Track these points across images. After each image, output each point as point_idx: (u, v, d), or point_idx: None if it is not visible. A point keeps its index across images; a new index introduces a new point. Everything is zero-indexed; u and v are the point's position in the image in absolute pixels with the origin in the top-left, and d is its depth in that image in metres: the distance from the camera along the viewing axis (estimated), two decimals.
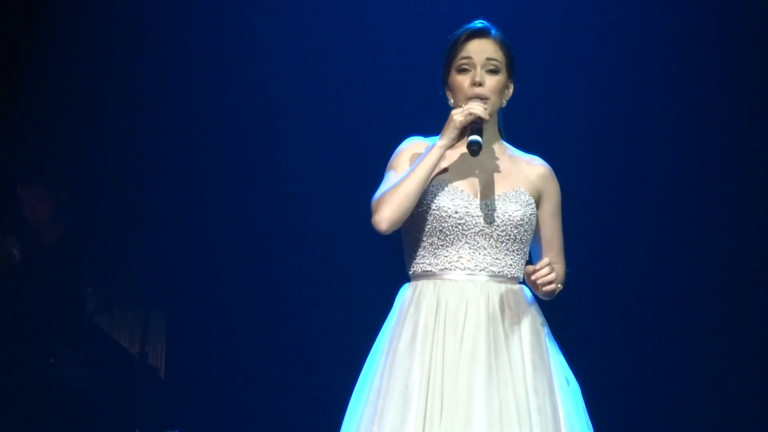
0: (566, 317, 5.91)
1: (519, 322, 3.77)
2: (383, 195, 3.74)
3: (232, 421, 6.50)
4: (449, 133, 3.75)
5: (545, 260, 3.70)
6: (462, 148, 3.82)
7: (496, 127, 3.91)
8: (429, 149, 3.76)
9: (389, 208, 3.71)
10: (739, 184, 6.15)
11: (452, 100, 3.88)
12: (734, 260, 6.14)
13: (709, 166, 6.18)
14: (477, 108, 3.74)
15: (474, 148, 3.70)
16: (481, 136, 3.71)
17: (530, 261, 3.90)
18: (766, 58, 6.15)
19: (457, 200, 3.78)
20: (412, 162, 3.81)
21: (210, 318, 6.57)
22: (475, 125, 3.73)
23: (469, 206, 3.78)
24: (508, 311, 3.77)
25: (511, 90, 3.91)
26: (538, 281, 3.67)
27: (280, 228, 6.51)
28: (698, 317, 6.12)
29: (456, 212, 3.77)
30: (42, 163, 6.68)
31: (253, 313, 6.53)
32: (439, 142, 3.75)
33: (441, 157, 3.76)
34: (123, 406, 6.50)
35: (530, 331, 3.77)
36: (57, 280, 6.58)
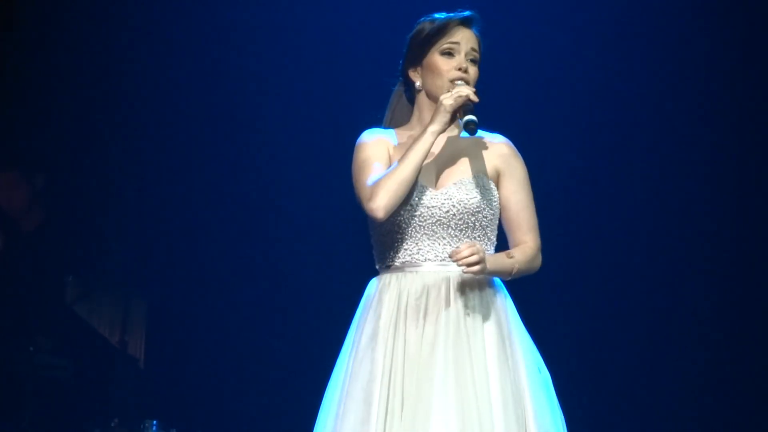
0: (541, 305, 5.93)
1: (482, 312, 3.73)
2: (378, 183, 3.69)
3: (211, 411, 6.50)
4: (441, 117, 3.70)
5: (467, 242, 3.66)
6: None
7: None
8: (421, 135, 3.71)
9: (386, 195, 3.67)
10: (724, 182, 6.20)
11: (420, 81, 3.85)
12: (715, 256, 6.18)
13: (694, 165, 6.23)
14: (465, 90, 3.70)
15: (471, 127, 3.66)
16: (474, 114, 3.68)
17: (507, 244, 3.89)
18: (752, 54, 6.19)
19: (411, 192, 3.73)
20: (382, 149, 3.81)
21: (190, 308, 6.57)
22: (466, 106, 3.70)
23: (422, 196, 3.74)
24: (471, 301, 3.73)
25: None
26: (458, 264, 3.62)
27: (259, 219, 6.52)
28: (673, 307, 6.17)
29: (410, 204, 3.74)
30: (18, 150, 6.66)
31: (232, 302, 6.54)
32: (431, 127, 3.70)
33: (433, 143, 3.72)
34: (102, 395, 6.49)
35: (494, 321, 3.73)
36: (37, 268, 6.56)
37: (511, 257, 3.77)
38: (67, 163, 6.64)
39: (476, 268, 3.62)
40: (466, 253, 3.60)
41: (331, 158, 6.18)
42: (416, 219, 3.75)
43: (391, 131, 3.89)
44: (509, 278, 3.78)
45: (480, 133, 3.82)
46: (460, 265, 3.62)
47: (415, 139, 3.72)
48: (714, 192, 6.21)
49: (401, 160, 3.70)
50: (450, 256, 3.66)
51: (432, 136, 3.70)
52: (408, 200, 3.74)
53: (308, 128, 6.44)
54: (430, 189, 3.77)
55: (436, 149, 3.81)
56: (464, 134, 3.83)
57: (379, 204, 3.68)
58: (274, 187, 6.50)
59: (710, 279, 6.14)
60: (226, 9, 6.51)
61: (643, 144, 6.28)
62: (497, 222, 3.83)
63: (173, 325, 6.59)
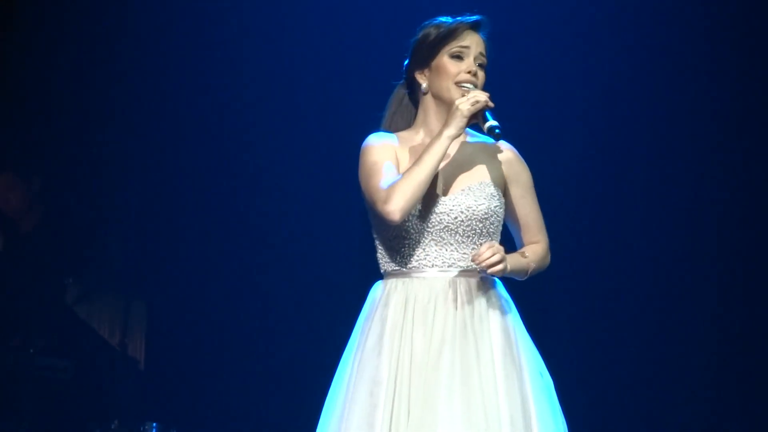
0: (544, 310, 5.93)
1: (489, 317, 3.74)
2: (393, 186, 3.68)
3: (212, 413, 6.50)
4: (457, 122, 3.70)
5: (487, 244, 3.68)
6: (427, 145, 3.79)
7: None
8: (436, 139, 3.72)
9: (402, 198, 3.66)
10: (726, 183, 6.20)
11: (426, 83, 3.85)
12: (718, 258, 6.19)
13: (691, 168, 6.23)
14: (481, 96, 3.72)
15: (497, 132, 3.69)
16: (491, 119, 3.70)
17: (514, 245, 3.90)
18: (749, 55, 6.19)
19: None
20: (390, 152, 3.80)
21: (190, 309, 6.57)
22: (483, 111, 3.71)
23: (431, 203, 3.75)
24: (477, 306, 3.74)
25: None
26: (481, 266, 3.65)
27: (260, 220, 6.52)
28: (675, 310, 6.17)
29: (418, 210, 3.75)
30: (16, 151, 6.66)
31: (233, 303, 6.54)
32: (447, 131, 3.71)
33: (448, 147, 3.73)
34: (102, 396, 6.48)
35: (501, 326, 3.74)
36: (36, 270, 6.56)
37: (526, 257, 3.82)
38: (65, 163, 6.63)
39: (499, 267, 3.66)
40: (488, 254, 3.64)
41: (332, 159, 6.19)
42: (424, 225, 3.76)
43: (393, 136, 3.89)
44: (525, 277, 3.82)
45: (483, 138, 3.85)
46: (483, 267, 3.64)
47: (430, 143, 3.73)
48: (716, 193, 6.20)
49: (416, 163, 3.70)
50: (472, 260, 3.69)
51: (448, 140, 3.71)
52: (416, 206, 3.73)
53: (310, 129, 6.43)
54: (439, 195, 3.78)
55: (446, 157, 3.80)
56: (471, 140, 3.86)
57: (395, 207, 3.68)
58: (275, 188, 6.49)
59: (713, 282, 6.14)
60: (225, 9, 6.50)
61: (645, 146, 6.27)
62: (502, 227, 3.85)
63: (173, 327, 6.58)
